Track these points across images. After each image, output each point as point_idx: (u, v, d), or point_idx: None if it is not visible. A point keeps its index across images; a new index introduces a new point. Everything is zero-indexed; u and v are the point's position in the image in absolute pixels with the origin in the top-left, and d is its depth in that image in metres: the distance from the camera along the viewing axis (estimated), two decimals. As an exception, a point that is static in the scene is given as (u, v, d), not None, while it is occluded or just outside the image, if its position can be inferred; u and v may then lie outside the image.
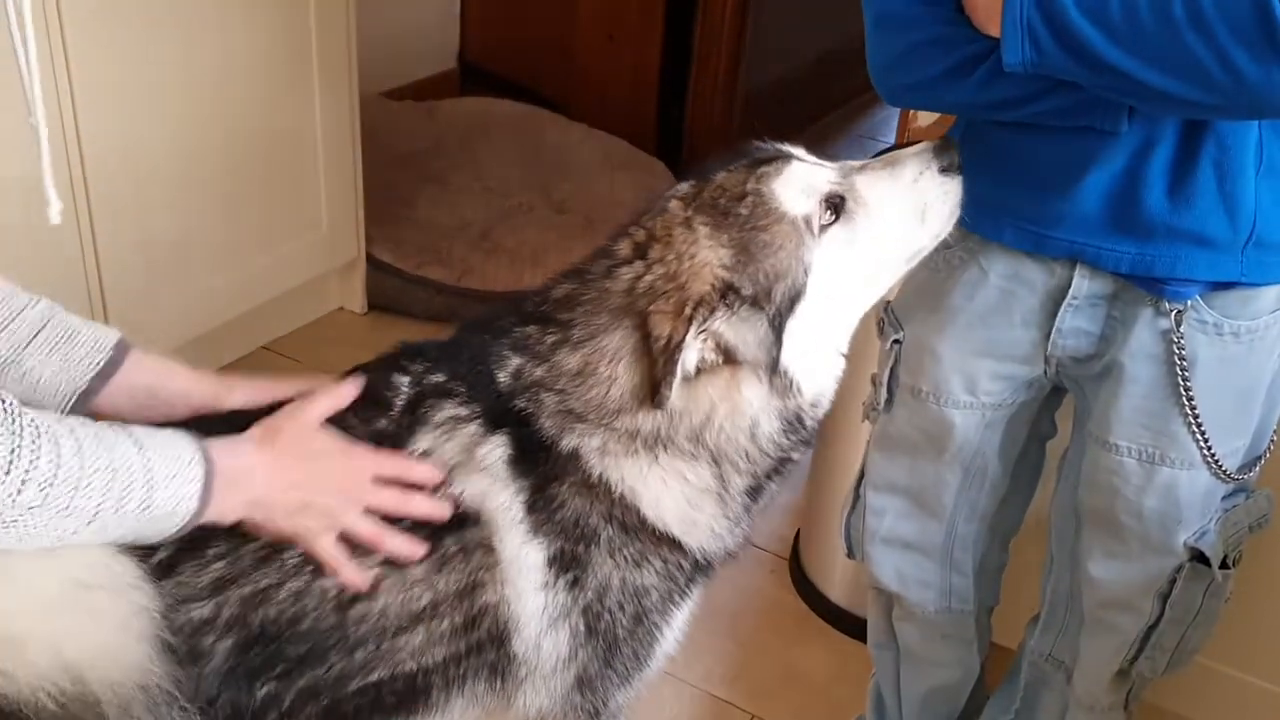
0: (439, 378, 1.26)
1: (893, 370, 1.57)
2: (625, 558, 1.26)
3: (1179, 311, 1.33)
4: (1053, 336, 1.42)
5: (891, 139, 2.36)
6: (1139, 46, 1.13)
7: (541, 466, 1.23)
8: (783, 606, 2.37)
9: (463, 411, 1.23)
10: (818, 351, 1.26)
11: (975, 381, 1.49)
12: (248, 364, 2.87)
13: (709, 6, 3.73)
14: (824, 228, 1.24)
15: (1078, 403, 1.52)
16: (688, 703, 2.14)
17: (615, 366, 1.21)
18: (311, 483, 1.16)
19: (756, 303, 1.20)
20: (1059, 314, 1.41)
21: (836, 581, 2.31)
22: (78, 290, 2.33)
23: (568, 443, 1.23)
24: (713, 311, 1.18)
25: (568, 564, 1.24)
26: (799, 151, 1.31)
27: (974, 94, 1.30)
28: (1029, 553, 1.76)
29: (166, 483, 1.05)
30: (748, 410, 1.23)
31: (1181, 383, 1.36)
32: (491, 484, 1.22)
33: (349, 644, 1.21)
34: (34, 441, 0.96)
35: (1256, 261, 1.30)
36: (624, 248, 1.25)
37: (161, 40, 2.36)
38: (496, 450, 1.22)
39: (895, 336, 1.56)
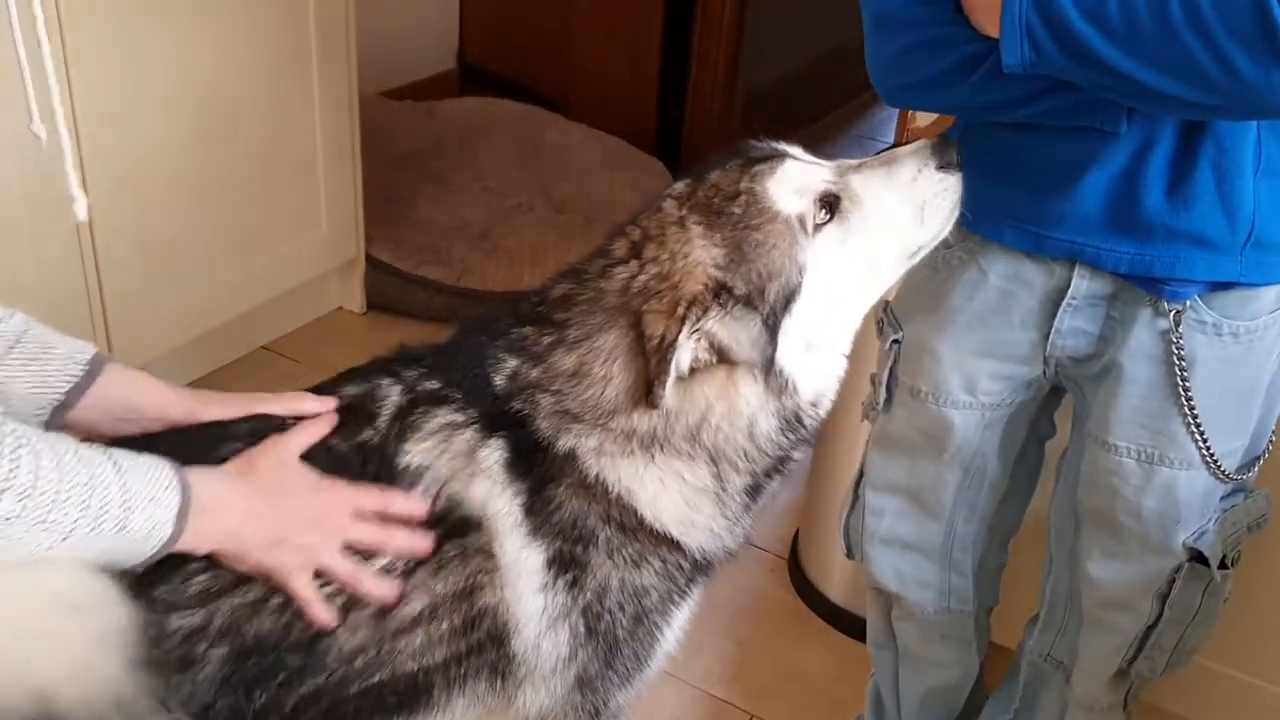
0: (433, 384, 1.25)
1: (892, 370, 1.57)
2: (624, 558, 1.26)
3: (1178, 312, 1.33)
4: (1052, 337, 1.42)
5: (891, 139, 2.36)
6: (1137, 47, 1.13)
7: (538, 468, 1.22)
8: (782, 606, 2.38)
9: (458, 418, 1.23)
10: (816, 351, 1.25)
11: (974, 381, 1.50)
12: (247, 364, 2.87)
13: (708, 6, 3.73)
14: (818, 227, 1.23)
15: (1077, 403, 1.53)
16: (687, 702, 2.14)
17: (610, 366, 1.21)
18: (288, 517, 1.15)
19: (750, 302, 1.20)
20: (1058, 314, 1.41)
21: (836, 581, 2.31)
22: (77, 290, 2.34)
23: (564, 444, 1.22)
24: (706, 311, 1.18)
25: (566, 565, 1.24)
26: (795, 150, 1.31)
27: (973, 94, 1.30)
28: (1028, 553, 1.76)
29: (143, 505, 1.04)
30: (744, 409, 1.23)
31: (1180, 383, 1.36)
32: (490, 488, 1.22)
33: (348, 651, 1.21)
34: (14, 451, 0.96)
35: (1255, 262, 1.30)
36: (620, 247, 1.25)
37: (160, 40, 2.36)
38: (494, 454, 1.22)
39: (894, 336, 1.56)
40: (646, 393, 1.18)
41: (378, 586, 1.19)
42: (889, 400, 1.59)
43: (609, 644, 1.29)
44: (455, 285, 3.05)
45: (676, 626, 1.36)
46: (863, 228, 1.25)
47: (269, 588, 1.17)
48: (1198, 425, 1.37)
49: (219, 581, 1.16)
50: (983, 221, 1.41)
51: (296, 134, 2.74)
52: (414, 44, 4.04)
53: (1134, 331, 1.37)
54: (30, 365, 1.18)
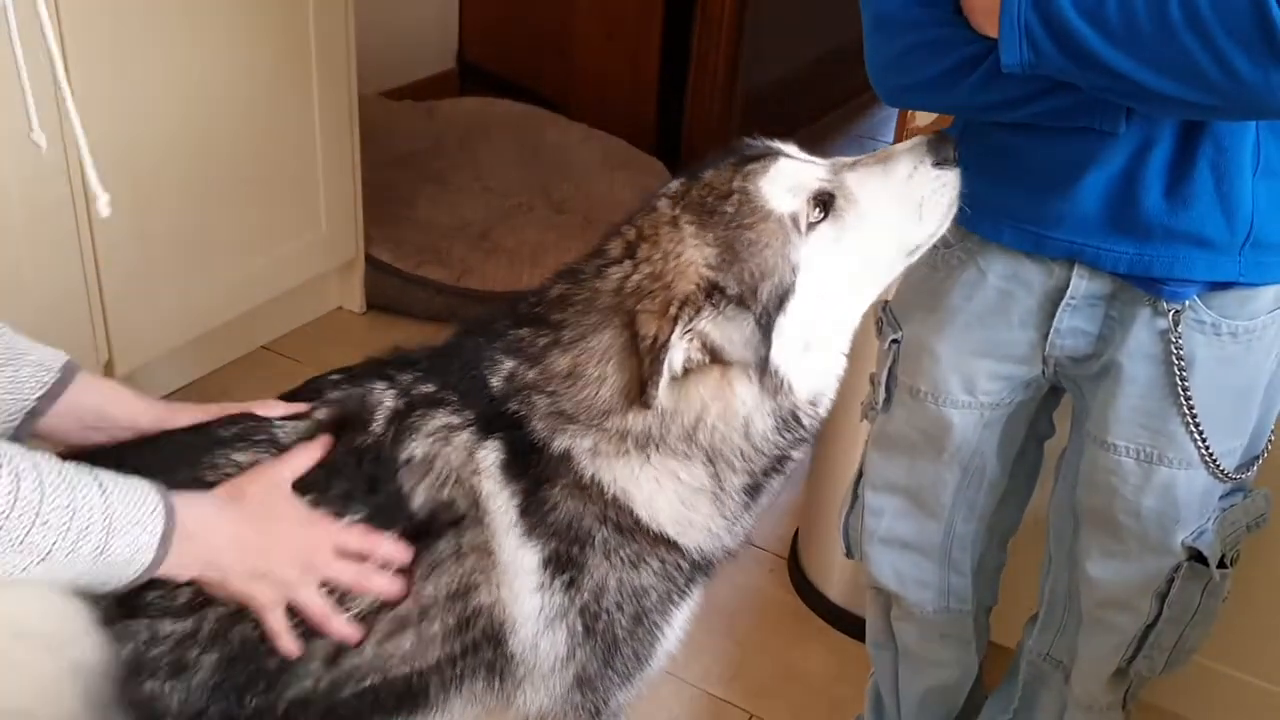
0: (429, 387, 1.25)
1: (891, 370, 1.57)
2: (621, 559, 1.26)
3: (1177, 311, 1.34)
4: (1051, 337, 1.43)
5: (890, 139, 2.36)
6: (1136, 48, 1.13)
7: (534, 469, 1.22)
8: (782, 606, 2.38)
9: (455, 419, 1.23)
10: (813, 350, 1.25)
11: (973, 381, 1.50)
12: (247, 364, 2.87)
13: (708, 6, 3.73)
14: (812, 226, 1.23)
15: (1076, 403, 1.53)
16: (686, 702, 2.14)
17: (604, 367, 1.21)
18: (271, 550, 1.15)
19: (742, 302, 1.19)
20: (1057, 314, 1.41)
21: (835, 581, 2.31)
22: (77, 290, 2.34)
23: (559, 444, 1.22)
24: (698, 311, 1.18)
25: (563, 565, 1.24)
26: (789, 148, 1.30)
27: (972, 95, 1.30)
28: (1027, 552, 1.76)
29: (126, 529, 1.03)
30: (739, 409, 1.22)
31: (1179, 382, 1.36)
32: (488, 487, 1.22)
33: (332, 655, 1.21)
34: None
35: (1254, 262, 1.30)
36: (615, 247, 1.25)
37: (159, 40, 2.36)
38: (490, 455, 1.22)
39: (894, 336, 1.56)
40: (640, 393, 1.18)
41: (344, 628, 1.19)
42: (888, 400, 1.59)
43: (608, 644, 1.29)
44: (455, 285, 3.05)
45: (677, 626, 1.36)
46: (857, 226, 1.25)
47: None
48: (1197, 425, 1.38)
49: (203, 592, 1.16)
50: (982, 221, 1.41)
51: (296, 134, 2.74)
52: (414, 44, 4.04)
53: (1133, 331, 1.37)
54: (2, 371, 1.18)
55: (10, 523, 0.96)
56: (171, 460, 1.21)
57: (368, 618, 1.21)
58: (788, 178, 1.23)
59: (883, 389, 1.59)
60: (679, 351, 1.18)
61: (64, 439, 1.22)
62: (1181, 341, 1.34)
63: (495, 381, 1.25)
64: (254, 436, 1.24)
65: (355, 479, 1.22)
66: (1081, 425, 1.50)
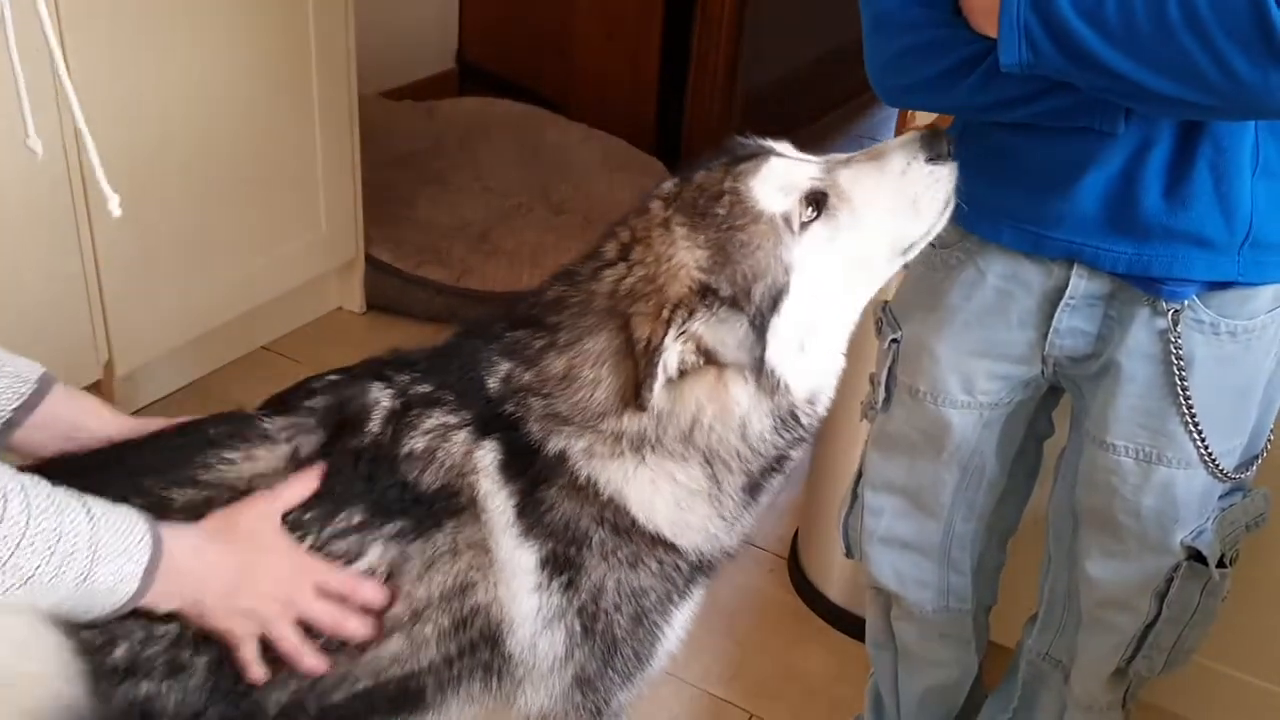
0: (426, 388, 1.25)
1: (890, 370, 1.57)
2: (619, 559, 1.25)
3: (1176, 311, 1.34)
4: (1050, 336, 1.43)
5: (890, 138, 2.36)
6: (1135, 48, 1.13)
7: (531, 470, 1.23)
8: (781, 606, 2.38)
9: (452, 419, 1.23)
10: (809, 350, 1.24)
11: (972, 381, 1.50)
12: (247, 364, 2.87)
13: (708, 6, 3.73)
14: (805, 225, 1.22)
15: (1075, 402, 1.53)
16: (686, 702, 2.14)
17: (599, 369, 1.21)
18: (254, 588, 1.15)
19: (735, 303, 1.19)
20: (1056, 314, 1.41)
21: (835, 581, 2.31)
22: (77, 291, 2.34)
23: (554, 445, 1.22)
24: (691, 313, 1.17)
25: (561, 566, 1.24)
26: (782, 147, 1.29)
27: (971, 95, 1.30)
28: (1027, 552, 1.76)
29: (111, 558, 1.03)
30: (736, 410, 1.22)
31: (1179, 382, 1.36)
32: (485, 487, 1.22)
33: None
34: None
35: (1253, 261, 1.30)
36: (610, 249, 1.25)
37: (159, 40, 2.36)
38: (488, 456, 1.22)
39: (893, 336, 1.56)
40: (635, 396, 1.18)
41: (314, 664, 1.19)
42: (887, 400, 1.59)
43: (607, 644, 1.29)
44: (455, 286, 3.05)
45: (678, 625, 1.36)
46: (851, 225, 1.24)
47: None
48: (1196, 424, 1.38)
49: None
50: (981, 221, 1.42)
51: (296, 134, 2.74)
52: (413, 44, 4.04)
53: (1132, 331, 1.37)
54: None
55: None
56: (164, 460, 1.21)
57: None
58: (779, 177, 1.23)
59: (882, 389, 1.59)
60: (673, 354, 1.18)
61: (38, 451, 1.22)
62: (1180, 341, 1.34)
63: (492, 383, 1.25)
64: (246, 434, 1.24)
65: (353, 478, 1.22)
66: (1080, 425, 1.50)
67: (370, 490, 1.21)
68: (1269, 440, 1.48)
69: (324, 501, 1.21)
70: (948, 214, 1.29)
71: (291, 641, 1.18)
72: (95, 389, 2.49)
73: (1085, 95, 1.24)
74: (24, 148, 1.48)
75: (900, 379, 1.56)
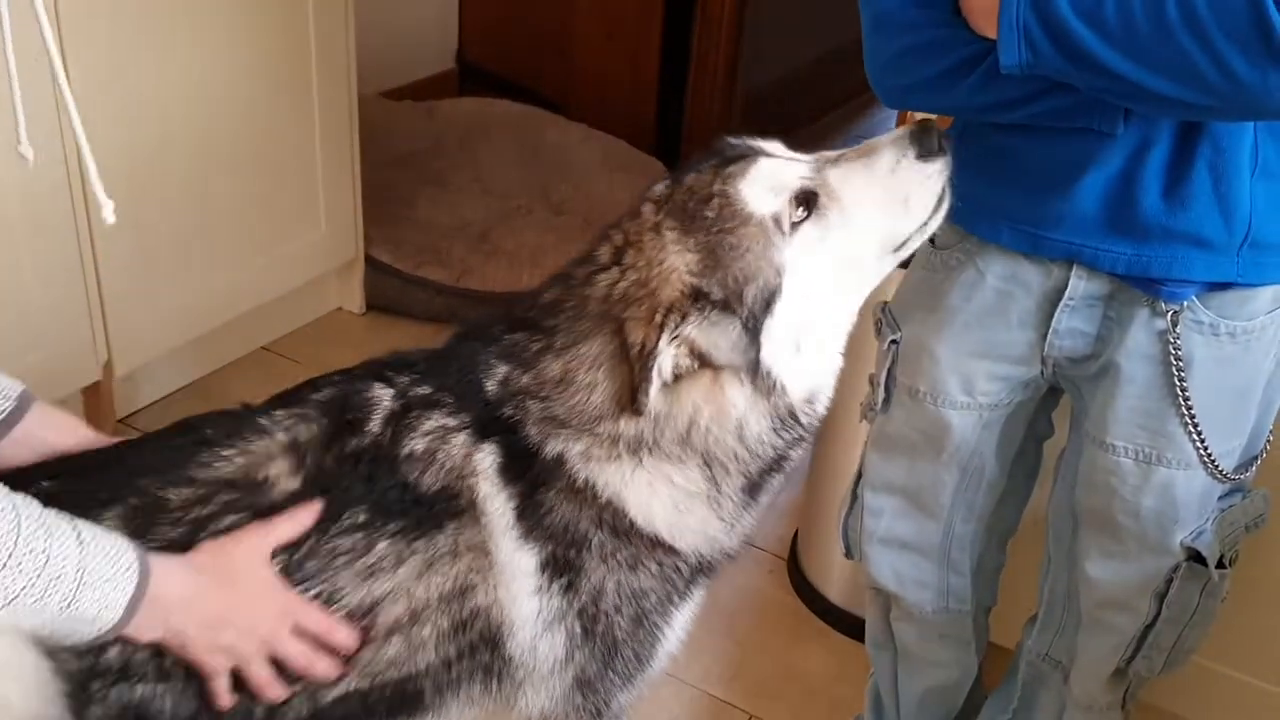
0: (425, 390, 1.26)
1: (890, 371, 1.57)
2: (618, 561, 1.26)
3: (1175, 312, 1.34)
4: (1049, 337, 1.43)
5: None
6: (1134, 49, 1.13)
7: (530, 473, 1.23)
8: (781, 606, 2.38)
9: (451, 421, 1.23)
10: (805, 351, 1.24)
11: (972, 382, 1.50)
12: (247, 364, 2.87)
13: (708, 7, 3.73)
14: (795, 225, 1.22)
15: (1074, 403, 1.53)
16: (686, 702, 2.14)
17: (595, 373, 1.21)
18: (237, 622, 1.15)
19: (728, 306, 1.19)
20: (1055, 315, 1.41)
21: (835, 581, 2.31)
22: (77, 291, 2.34)
23: (552, 449, 1.23)
24: (684, 317, 1.17)
25: (560, 569, 1.24)
26: (772, 146, 1.28)
27: (971, 96, 1.30)
28: (1026, 553, 1.76)
29: (97, 584, 1.03)
30: (732, 412, 1.22)
31: (1178, 383, 1.36)
32: (485, 490, 1.22)
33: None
34: None
35: (1252, 262, 1.30)
36: (603, 253, 1.25)
37: (159, 41, 2.35)
38: (487, 458, 1.23)
39: (893, 337, 1.56)
40: (631, 400, 1.18)
41: (280, 693, 1.20)
42: (887, 401, 1.59)
43: (608, 646, 1.29)
44: (455, 286, 3.05)
45: (678, 626, 1.36)
46: (842, 224, 1.23)
47: None
48: (1195, 425, 1.38)
49: None
50: (980, 222, 1.42)
51: (296, 134, 2.74)
52: (413, 44, 4.04)
53: (1131, 332, 1.37)
54: None
55: None
56: (162, 459, 1.21)
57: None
58: (768, 178, 1.22)
59: (882, 390, 1.59)
60: (667, 358, 1.18)
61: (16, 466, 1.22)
62: (1180, 342, 1.34)
63: (490, 386, 1.25)
64: (244, 431, 1.24)
65: (354, 479, 1.22)
66: (1080, 426, 1.50)
67: (371, 491, 1.21)
68: (1268, 441, 1.48)
69: (329, 504, 1.21)
70: (942, 211, 1.28)
71: (263, 676, 1.19)
72: (95, 389, 2.49)
73: (1084, 96, 1.24)
74: (19, 152, 1.48)
75: (900, 380, 1.56)
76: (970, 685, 1.85)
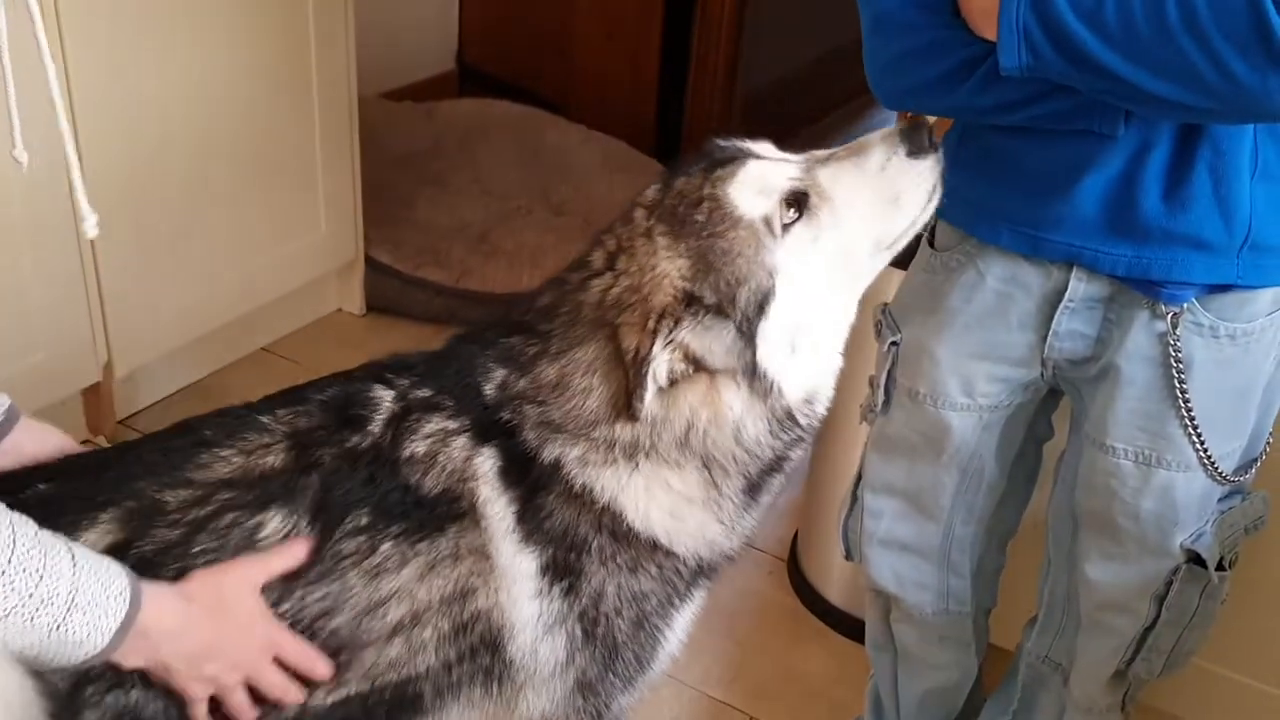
0: (425, 392, 1.26)
1: (890, 372, 1.57)
2: (619, 564, 1.26)
3: (1175, 314, 1.34)
4: (1049, 339, 1.43)
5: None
6: (1134, 51, 1.13)
7: (529, 477, 1.23)
8: (781, 608, 2.38)
9: (451, 424, 1.23)
10: (801, 351, 1.24)
11: (972, 384, 1.50)
12: (247, 365, 2.87)
13: (708, 7, 3.73)
14: (786, 227, 1.21)
15: (1074, 405, 1.53)
16: (686, 704, 2.14)
17: (591, 378, 1.22)
18: (221, 655, 1.15)
19: (721, 310, 1.19)
20: (1055, 317, 1.41)
21: (835, 583, 2.31)
22: (77, 291, 2.34)
23: (549, 453, 1.23)
24: (678, 322, 1.17)
25: (561, 572, 1.24)
26: (761, 147, 1.28)
27: (971, 98, 1.30)
28: (1026, 555, 1.76)
29: (88, 608, 1.02)
30: (729, 415, 1.22)
31: (1178, 385, 1.36)
32: (485, 494, 1.22)
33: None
34: None
35: (1252, 264, 1.30)
36: (597, 258, 1.25)
37: (159, 42, 2.36)
38: (487, 462, 1.23)
39: (893, 339, 1.56)
40: (627, 405, 1.18)
41: (252, 716, 1.20)
42: (887, 402, 1.59)
43: (608, 648, 1.29)
44: (454, 287, 3.05)
45: (679, 628, 1.36)
46: (833, 224, 1.23)
47: None
48: (1195, 427, 1.38)
49: None
50: (980, 224, 1.42)
51: (296, 135, 2.74)
52: (413, 45, 4.04)
53: (1131, 334, 1.37)
54: None
55: None
56: (160, 461, 1.21)
57: (338, 631, 1.21)
58: (757, 181, 1.22)
59: (882, 391, 1.59)
60: (662, 364, 1.18)
61: None
62: (1180, 344, 1.34)
63: (488, 389, 1.25)
64: (243, 430, 1.24)
65: (355, 479, 1.22)
66: (1080, 428, 1.50)
67: (373, 493, 1.21)
68: (1268, 443, 1.48)
69: (330, 506, 1.21)
70: (932, 207, 1.28)
71: (241, 704, 1.19)
72: (95, 390, 2.49)
73: (1085, 98, 1.24)
74: (21, 149, 1.48)
75: (900, 381, 1.56)
76: (970, 687, 1.85)
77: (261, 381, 2.56)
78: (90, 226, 1.44)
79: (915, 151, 1.25)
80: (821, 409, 1.30)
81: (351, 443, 1.23)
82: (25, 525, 1.01)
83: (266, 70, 2.61)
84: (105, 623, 1.04)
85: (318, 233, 2.89)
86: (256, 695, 1.20)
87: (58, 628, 1.01)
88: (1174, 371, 1.36)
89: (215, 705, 1.19)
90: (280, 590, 1.19)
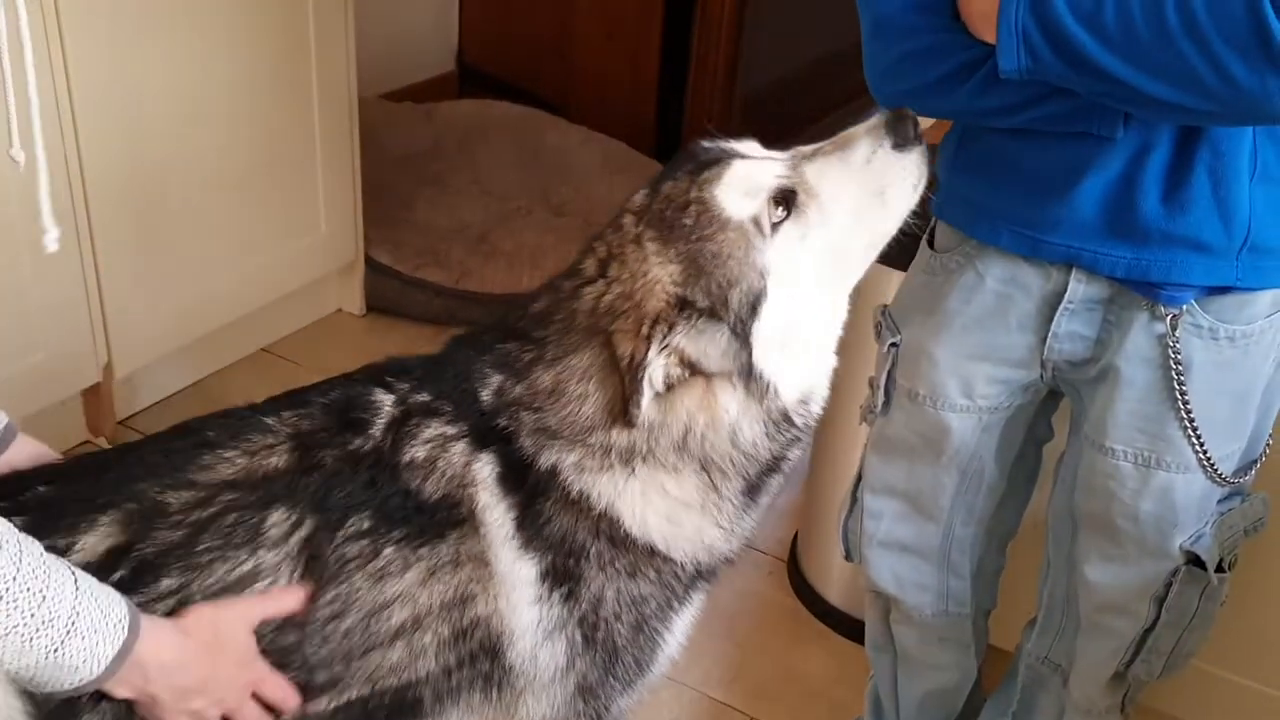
0: (424, 397, 1.26)
1: (890, 373, 1.57)
2: (618, 569, 1.26)
3: (1174, 316, 1.34)
4: (1049, 341, 1.43)
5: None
6: (1133, 53, 1.13)
7: (528, 483, 1.23)
8: (781, 609, 2.38)
9: (450, 430, 1.23)
10: (795, 351, 1.24)
11: (972, 385, 1.50)
12: (247, 365, 2.87)
13: (708, 7, 3.73)
14: (775, 226, 1.21)
15: (1074, 406, 1.53)
16: (686, 705, 2.14)
17: (586, 385, 1.22)
18: (209, 692, 1.15)
19: (714, 313, 1.19)
20: (1055, 318, 1.41)
21: (834, 584, 2.31)
22: (77, 293, 2.34)
23: (546, 460, 1.23)
24: (671, 328, 1.17)
25: (560, 578, 1.24)
26: (746, 146, 1.27)
27: (970, 100, 1.30)
28: (1026, 556, 1.76)
29: (86, 634, 1.02)
30: (726, 418, 1.22)
31: (1177, 387, 1.36)
32: (484, 500, 1.22)
33: (306, 665, 1.21)
34: None
35: (1251, 266, 1.30)
36: (589, 265, 1.25)
37: (159, 43, 2.36)
38: (486, 468, 1.23)
39: (892, 340, 1.56)
40: (623, 411, 1.18)
41: None
42: (887, 403, 1.59)
43: (608, 652, 1.29)
44: (454, 288, 3.05)
45: (678, 631, 1.36)
46: (821, 220, 1.23)
47: None
48: (1194, 429, 1.38)
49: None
50: (979, 225, 1.42)
51: (296, 136, 2.74)
52: (413, 46, 4.04)
53: (1130, 335, 1.37)
54: None
55: None
56: (161, 463, 1.21)
57: (349, 632, 1.21)
58: (743, 181, 1.21)
59: (881, 392, 1.59)
60: (658, 369, 1.18)
61: None
62: (1179, 346, 1.34)
63: (485, 395, 1.25)
64: (245, 432, 1.24)
65: (355, 483, 1.22)
66: (1079, 429, 1.50)
67: (374, 496, 1.21)
68: (1267, 445, 1.48)
69: (330, 508, 1.20)
70: (917, 196, 1.27)
71: None
72: (95, 391, 2.49)
73: (1084, 100, 1.24)
74: (18, 149, 1.48)
75: (899, 383, 1.56)
76: (970, 688, 1.85)
77: (261, 382, 2.57)
78: (50, 241, 1.44)
79: (901, 144, 1.25)
80: (817, 409, 1.30)
81: (353, 445, 1.23)
82: (32, 545, 1.01)
83: (267, 71, 2.61)
84: (102, 650, 1.03)
85: (318, 233, 2.89)
86: None
87: (55, 651, 1.00)
88: (1173, 373, 1.36)
89: None
90: None
